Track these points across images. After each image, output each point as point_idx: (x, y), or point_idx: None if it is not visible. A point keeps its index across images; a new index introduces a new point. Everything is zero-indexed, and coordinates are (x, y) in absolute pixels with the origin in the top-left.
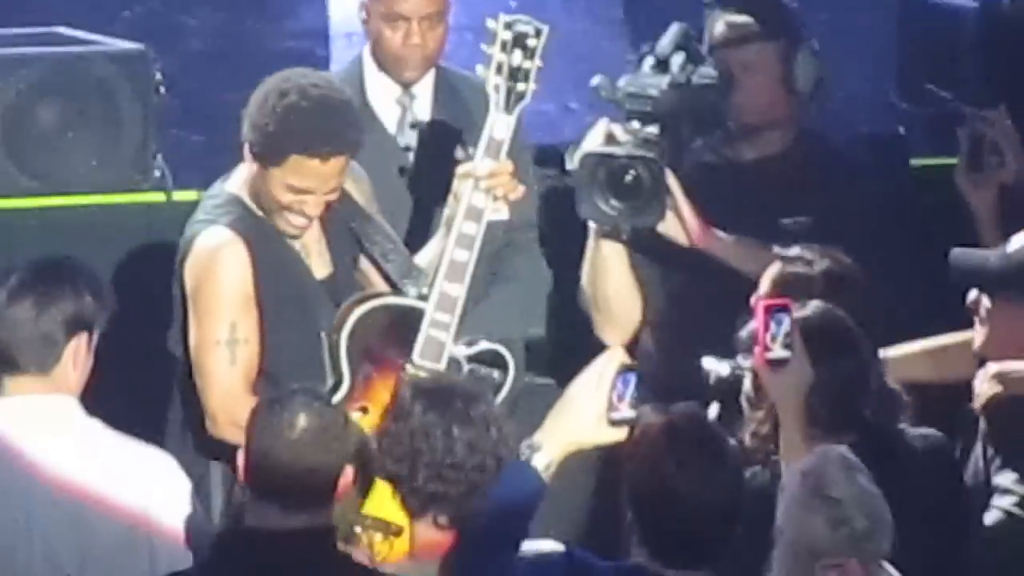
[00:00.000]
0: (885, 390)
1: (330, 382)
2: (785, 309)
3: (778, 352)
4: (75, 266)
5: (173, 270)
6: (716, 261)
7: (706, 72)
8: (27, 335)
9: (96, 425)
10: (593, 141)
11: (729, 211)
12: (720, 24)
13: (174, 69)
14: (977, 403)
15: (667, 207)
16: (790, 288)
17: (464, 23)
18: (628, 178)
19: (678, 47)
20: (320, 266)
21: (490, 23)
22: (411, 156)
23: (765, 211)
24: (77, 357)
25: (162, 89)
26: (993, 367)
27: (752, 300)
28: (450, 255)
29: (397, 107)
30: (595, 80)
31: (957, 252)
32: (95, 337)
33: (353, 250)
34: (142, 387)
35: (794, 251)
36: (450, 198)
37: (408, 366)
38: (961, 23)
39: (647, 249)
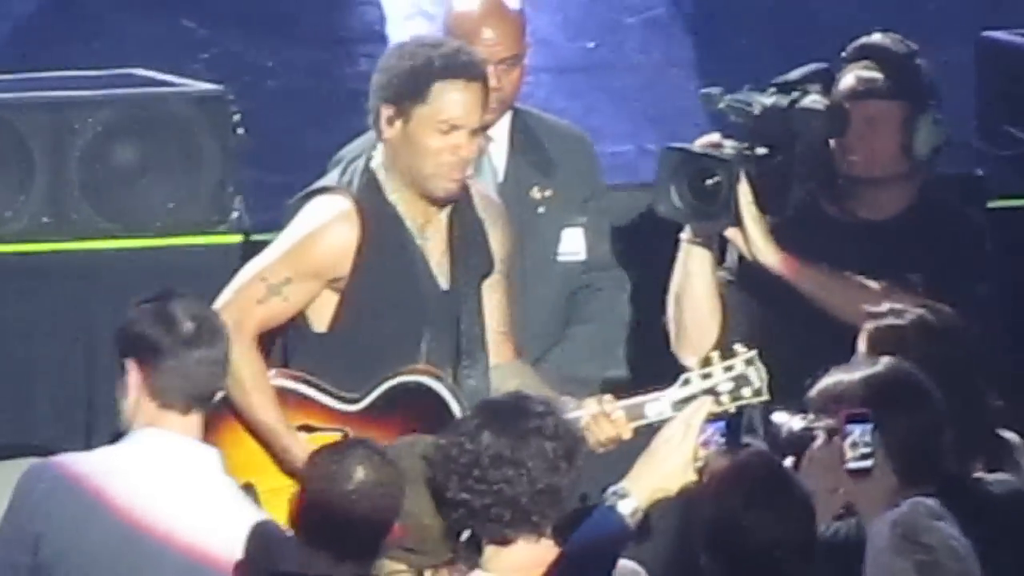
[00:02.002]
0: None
1: None
2: (864, 419)
3: (857, 463)
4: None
5: None
6: (808, 302)
7: (815, 99)
8: (202, 369)
9: (233, 484)
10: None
11: (838, 267)
12: (849, 76)
13: (252, 109)
14: None
15: (737, 216)
16: (883, 343)
17: (540, 64)
18: (709, 181)
19: (806, 80)
20: (440, 276)
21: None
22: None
23: (875, 272)
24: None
25: (240, 130)
26: None
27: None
28: None
29: None
30: (706, 89)
31: None
32: None
33: (477, 270)
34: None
35: (884, 306)
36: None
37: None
38: None
39: (744, 276)
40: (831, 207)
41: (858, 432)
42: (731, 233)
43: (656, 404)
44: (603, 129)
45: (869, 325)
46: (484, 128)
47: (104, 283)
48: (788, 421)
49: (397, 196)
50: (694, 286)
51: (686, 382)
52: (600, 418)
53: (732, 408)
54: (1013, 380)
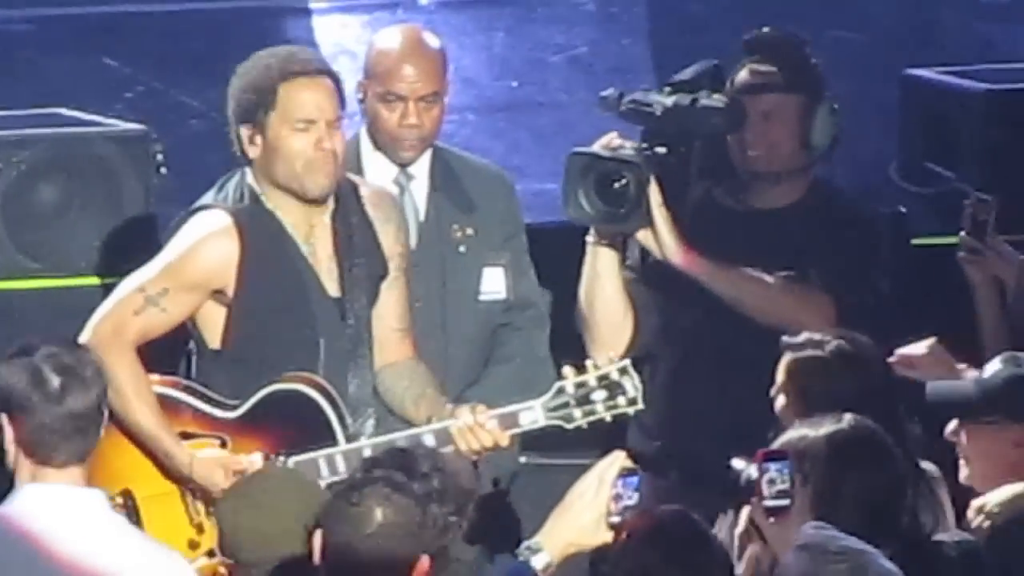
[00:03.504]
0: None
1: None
2: (782, 457)
3: (774, 501)
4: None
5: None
6: (717, 298)
7: (716, 98)
8: (71, 424)
9: (122, 522)
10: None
11: (734, 257)
12: (744, 71)
13: (175, 148)
14: (978, 537)
15: (648, 218)
16: (805, 375)
17: (464, 103)
18: (617, 184)
19: (700, 77)
20: (329, 283)
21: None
22: (410, 237)
23: (770, 261)
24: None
25: (163, 169)
26: (977, 502)
27: (773, 396)
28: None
29: (394, 187)
30: (604, 92)
31: (932, 384)
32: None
33: (368, 274)
34: None
35: (801, 337)
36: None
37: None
38: (964, 103)
39: (648, 274)
40: (726, 199)
41: (775, 470)
42: (640, 234)
43: (530, 412)
44: (527, 168)
45: (788, 356)
46: (403, 164)
47: (28, 323)
48: (747, 468)
49: (275, 205)
50: (604, 287)
51: (560, 390)
52: (475, 428)
53: (608, 417)
54: (929, 410)
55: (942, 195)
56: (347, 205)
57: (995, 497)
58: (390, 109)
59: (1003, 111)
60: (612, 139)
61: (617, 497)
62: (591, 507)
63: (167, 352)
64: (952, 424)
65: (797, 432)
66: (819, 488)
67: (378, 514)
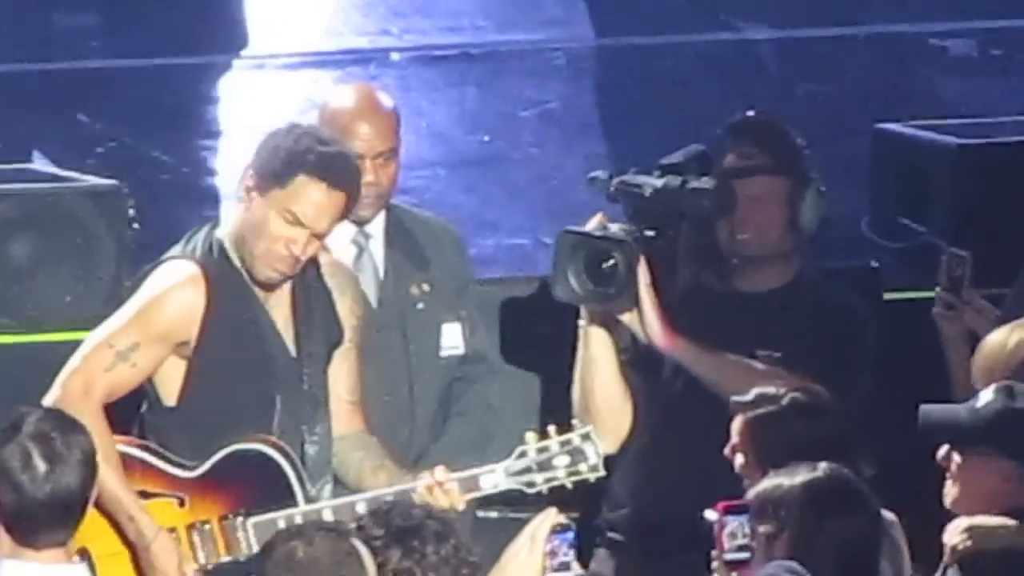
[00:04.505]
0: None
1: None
2: (743, 510)
3: (735, 554)
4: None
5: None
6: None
7: (705, 180)
8: (54, 509)
9: None
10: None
11: (721, 341)
12: (731, 155)
13: (147, 203)
14: (948, 558)
15: (636, 298)
16: (762, 430)
17: (436, 158)
18: (606, 264)
19: (689, 160)
20: (288, 342)
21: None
22: (371, 296)
23: (757, 344)
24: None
25: (135, 224)
26: (964, 521)
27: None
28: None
29: (353, 247)
30: (593, 173)
31: (927, 408)
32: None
33: (324, 338)
34: None
35: (752, 395)
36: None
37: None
38: (935, 157)
39: (641, 358)
40: (714, 283)
41: (736, 523)
42: (626, 316)
43: (491, 476)
44: (499, 222)
45: (742, 415)
46: (361, 223)
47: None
48: (719, 519)
49: (241, 263)
50: (601, 371)
51: (522, 454)
52: (434, 489)
53: (569, 483)
54: (894, 463)
55: (914, 249)
56: (306, 270)
57: (980, 522)
58: None
59: (975, 165)
60: (601, 220)
61: (552, 553)
62: (526, 566)
63: (122, 409)
64: (943, 449)
65: (772, 481)
66: (796, 536)
67: (298, 552)
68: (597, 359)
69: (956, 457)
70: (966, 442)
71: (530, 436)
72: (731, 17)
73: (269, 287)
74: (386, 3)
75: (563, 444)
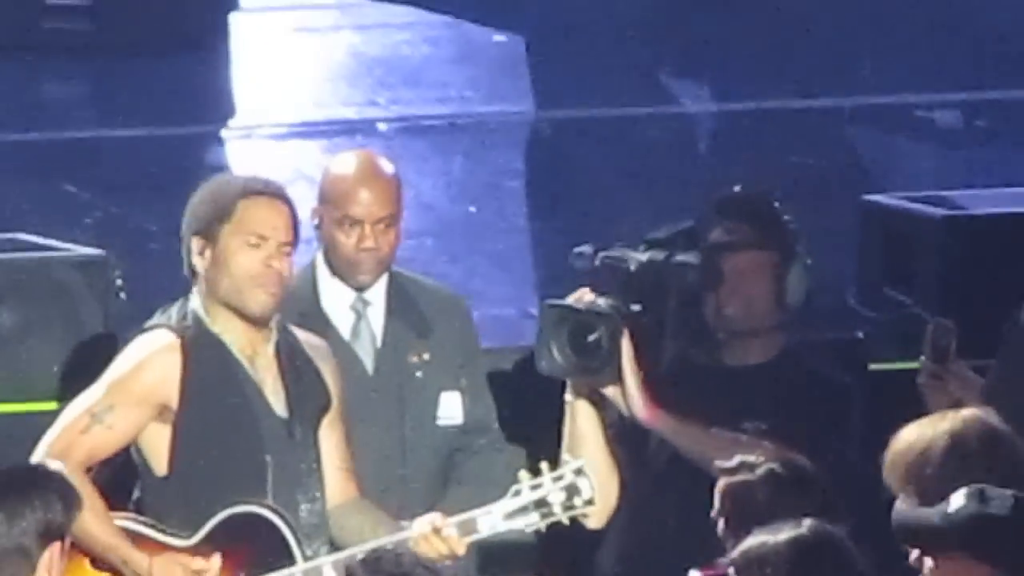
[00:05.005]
0: None
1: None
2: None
3: None
4: (44, 472)
5: None
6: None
7: (690, 254)
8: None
9: None
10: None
11: (707, 416)
12: (717, 230)
13: (134, 273)
14: None
15: (620, 372)
16: (737, 497)
17: (423, 228)
18: (591, 337)
19: (675, 236)
20: (275, 403)
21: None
22: (368, 363)
23: (743, 419)
24: (52, 568)
25: (122, 294)
26: None
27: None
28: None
29: (351, 313)
30: (579, 248)
31: (900, 509)
32: (67, 543)
33: (313, 400)
34: None
35: (735, 460)
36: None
37: None
38: (921, 228)
39: (627, 431)
40: (700, 357)
41: None
42: (609, 390)
43: (488, 518)
44: (485, 292)
45: (722, 480)
46: (360, 288)
47: None
48: None
49: (221, 327)
50: (587, 445)
51: (517, 493)
52: (432, 536)
53: (565, 519)
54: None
55: (900, 320)
56: (287, 338)
57: None
58: (347, 234)
59: (961, 237)
60: (584, 294)
61: None
62: None
63: (116, 487)
64: (914, 553)
65: (756, 539)
66: None
67: None
68: (583, 433)
69: (928, 561)
70: (938, 547)
71: (523, 475)
72: (717, 88)
73: (255, 350)
74: (373, 74)
75: (556, 480)
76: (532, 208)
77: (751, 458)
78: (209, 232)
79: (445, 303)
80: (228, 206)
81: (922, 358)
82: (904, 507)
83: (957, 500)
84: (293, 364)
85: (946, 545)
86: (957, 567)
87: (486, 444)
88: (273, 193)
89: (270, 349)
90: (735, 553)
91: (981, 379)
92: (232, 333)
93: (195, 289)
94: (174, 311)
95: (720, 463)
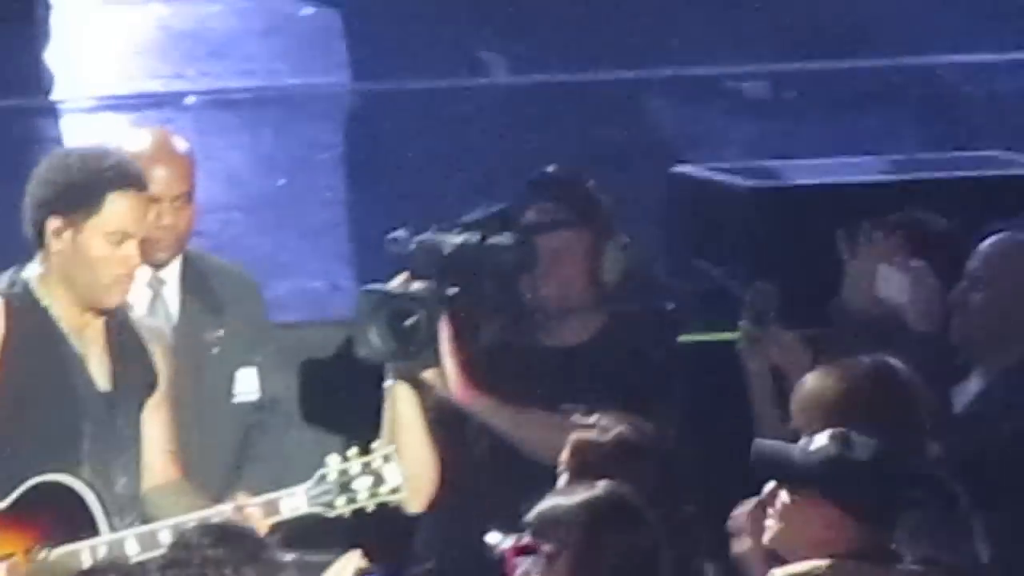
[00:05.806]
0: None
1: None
2: (531, 551)
3: None
4: None
5: None
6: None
7: (504, 236)
8: None
9: None
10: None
11: (528, 397)
12: (531, 211)
13: None
14: None
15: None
16: (583, 455)
17: (231, 202)
18: (408, 321)
19: (489, 218)
20: (99, 377)
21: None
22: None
23: (564, 399)
24: None
25: None
26: (779, 572)
27: (559, 472)
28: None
29: (148, 290)
30: (394, 233)
31: (760, 443)
32: None
33: (140, 377)
34: None
35: (593, 417)
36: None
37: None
38: (729, 199)
39: (447, 415)
40: (519, 338)
41: (528, 563)
42: (428, 374)
43: (292, 499)
44: (294, 265)
45: (574, 436)
46: (158, 266)
47: None
48: (502, 542)
49: (50, 301)
50: (407, 429)
51: (322, 478)
52: (234, 515)
53: (370, 506)
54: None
55: (709, 292)
56: (120, 315)
57: (794, 569)
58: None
59: (769, 208)
60: (403, 278)
61: None
62: None
63: None
64: (769, 485)
65: (550, 501)
66: (576, 554)
67: None
68: (403, 417)
69: (783, 496)
70: (795, 483)
71: (331, 459)
72: (531, 60)
73: (83, 324)
74: (180, 47)
75: (364, 466)
76: (342, 181)
77: (605, 420)
78: (72, 217)
79: (236, 280)
80: (98, 198)
81: (742, 322)
82: (765, 442)
83: (820, 440)
84: (121, 340)
85: (803, 482)
86: (810, 506)
87: (279, 419)
88: (140, 187)
89: (100, 323)
90: (531, 515)
91: (801, 345)
92: (62, 306)
93: (38, 259)
94: (4, 279)
95: (578, 417)
